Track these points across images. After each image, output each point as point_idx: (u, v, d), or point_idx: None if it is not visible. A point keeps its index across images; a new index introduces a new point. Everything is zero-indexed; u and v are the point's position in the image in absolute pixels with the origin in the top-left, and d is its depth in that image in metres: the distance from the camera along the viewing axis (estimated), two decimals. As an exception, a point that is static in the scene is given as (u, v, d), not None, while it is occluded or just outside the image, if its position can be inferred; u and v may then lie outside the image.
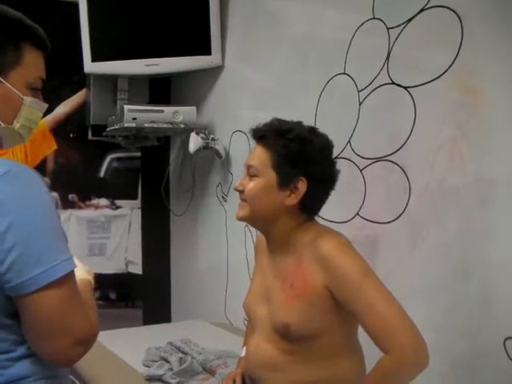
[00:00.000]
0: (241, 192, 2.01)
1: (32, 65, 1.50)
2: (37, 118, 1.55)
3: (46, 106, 1.57)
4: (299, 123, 2.02)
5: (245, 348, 2.29)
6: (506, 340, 2.03)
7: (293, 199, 1.95)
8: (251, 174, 1.98)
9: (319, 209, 2.05)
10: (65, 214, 4.14)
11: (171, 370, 2.58)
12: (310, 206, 2.00)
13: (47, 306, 1.30)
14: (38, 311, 1.30)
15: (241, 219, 2.05)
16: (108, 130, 3.75)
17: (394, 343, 1.73)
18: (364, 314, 1.79)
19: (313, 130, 2.01)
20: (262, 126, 2.01)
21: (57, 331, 1.32)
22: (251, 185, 1.97)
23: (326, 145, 2.00)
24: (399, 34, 2.45)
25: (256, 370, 2.06)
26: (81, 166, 4.29)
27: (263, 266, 2.13)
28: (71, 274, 1.34)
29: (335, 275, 1.85)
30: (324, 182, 1.99)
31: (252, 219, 2.05)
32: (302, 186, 1.93)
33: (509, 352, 2.02)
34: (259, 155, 1.98)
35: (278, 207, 1.97)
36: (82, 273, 1.64)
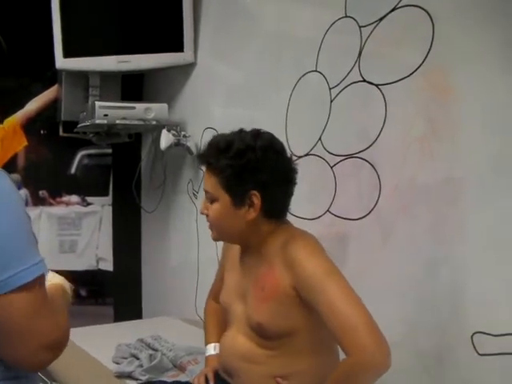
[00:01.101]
0: (206, 215, 2.05)
1: None
2: None
3: None
4: (240, 132, 2.02)
5: (211, 345, 2.33)
6: (473, 334, 2.05)
7: (252, 213, 1.96)
8: (209, 200, 2.02)
9: (284, 210, 2.07)
10: (35, 211, 4.13)
11: (141, 366, 2.58)
12: (273, 211, 2.01)
13: (15, 310, 1.26)
14: (5, 315, 1.26)
15: (215, 240, 2.16)
16: (79, 126, 3.73)
17: (353, 344, 1.73)
18: (327, 315, 1.79)
19: (256, 135, 1.99)
20: (205, 150, 2.03)
21: (24, 336, 1.28)
22: (211, 212, 2.01)
23: (269, 146, 1.98)
24: (371, 33, 2.45)
25: (232, 362, 2.08)
26: (52, 163, 4.27)
27: (236, 266, 2.15)
28: (41, 278, 1.31)
29: (300, 277, 1.87)
30: (278, 184, 1.98)
31: (224, 239, 2.17)
32: (256, 198, 1.94)
33: (476, 346, 2.04)
34: (209, 181, 2.00)
35: (243, 224, 1.99)
36: (54, 277, 1.62)
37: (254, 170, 1.93)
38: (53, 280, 1.60)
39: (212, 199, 2.00)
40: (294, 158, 2.65)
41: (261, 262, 2.01)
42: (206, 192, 2.02)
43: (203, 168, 2.06)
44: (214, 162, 1.97)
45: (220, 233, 2.06)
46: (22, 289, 1.26)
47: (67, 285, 1.67)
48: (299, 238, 1.97)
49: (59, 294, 1.57)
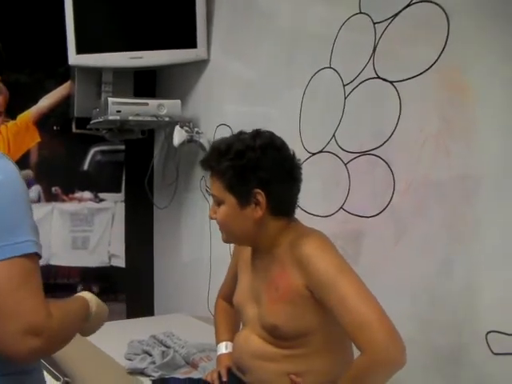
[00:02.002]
0: (216, 219, 2.07)
1: None
2: None
3: None
4: (239, 134, 2.04)
5: (222, 344, 2.34)
6: (488, 333, 2.04)
7: (259, 211, 1.97)
8: (217, 203, 2.04)
9: (291, 207, 2.07)
10: (48, 207, 4.11)
11: (154, 363, 2.58)
12: (280, 209, 2.01)
13: None
14: None
15: (226, 242, 2.16)
16: (92, 122, 3.73)
17: (367, 341, 1.72)
18: (339, 312, 1.79)
19: (255, 135, 2.01)
20: (207, 155, 2.07)
21: (2, 314, 1.26)
22: (219, 215, 2.04)
23: (269, 144, 1.99)
24: (385, 29, 2.44)
25: (246, 360, 2.09)
26: (64, 159, 4.26)
27: (248, 268, 2.16)
28: (26, 257, 1.31)
29: (311, 275, 1.87)
30: (281, 181, 1.99)
31: (234, 242, 2.18)
32: (261, 196, 1.95)
33: (490, 345, 2.03)
34: (214, 185, 2.03)
35: (251, 224, 2.00)
36: (84, 293, 1.67)
37: (255, 169, 1.94)
38: (83, 294, 1.66)
39: (219, 202, 2.02)
40: (308, 154, 2.67)
41: (272, 262, 2.01)
42: (213, 196, 2.05)
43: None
44: (216, 166, 1.99)
45: (230, 235, 2.08)
46: (1, 263, 1.27)
47: (94, 299, 1.69)
48: (307, 236, 1.96)
49: (76, 299, 1.64)
